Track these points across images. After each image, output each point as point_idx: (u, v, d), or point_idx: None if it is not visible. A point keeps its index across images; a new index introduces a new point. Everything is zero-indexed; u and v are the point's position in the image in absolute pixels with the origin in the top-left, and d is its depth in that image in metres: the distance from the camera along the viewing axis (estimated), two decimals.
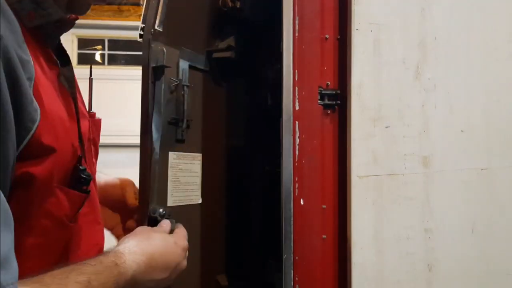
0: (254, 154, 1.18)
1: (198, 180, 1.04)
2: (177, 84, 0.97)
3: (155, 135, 0.91)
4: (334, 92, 0.95)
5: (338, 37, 0.96)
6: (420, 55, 0.96)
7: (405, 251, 0.94)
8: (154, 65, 0.91)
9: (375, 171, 0.93)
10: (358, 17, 0.93)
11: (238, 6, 1.05)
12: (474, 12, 1.00)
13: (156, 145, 0.91)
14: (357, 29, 0.93)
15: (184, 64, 0.99)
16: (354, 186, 0.92)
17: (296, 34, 0.92)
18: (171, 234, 0.85)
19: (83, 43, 6.75)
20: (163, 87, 0.92)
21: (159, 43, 0.93)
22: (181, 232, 0.87)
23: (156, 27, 0.92)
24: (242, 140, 1.17)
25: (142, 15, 0.95)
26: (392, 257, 0.93)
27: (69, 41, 6.50)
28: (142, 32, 0.94)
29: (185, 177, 1.01)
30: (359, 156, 0.92)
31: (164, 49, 0.92)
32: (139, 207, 0.93)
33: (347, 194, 0.94)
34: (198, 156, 1.05)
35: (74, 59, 6.54)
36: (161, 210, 0.89)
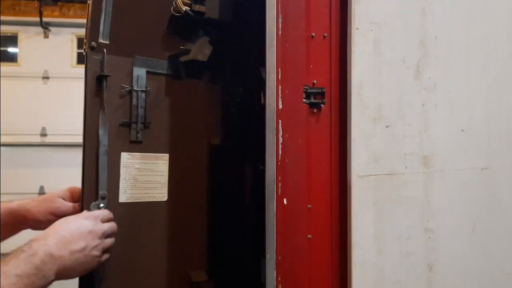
0: (248, 153, 1.18)
1: (163, 178, 1.10)
2: (129, 90, 1.05)
3: (101, 137, 1.00)
4: (320, 91, 0.95)
5: (325, 34, 0.96)
6: (421, 54, 0.96)
7: (406, 250, 0.93)
8: (96, 75, 1.01)
9: (376, 170, 0.93)
10: (358, 16, 0.93)
11: (196, 9, 1.07)
12: (474, 11, 1.00)
13: (102, 147, 1.00)
14: (357, 28, 0.92)
15: (139, 71, 1.07)
16: (354, 185, 0.91)
17: (280, 33, 0.92)
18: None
19: (83, 42, 6.74)
20: (105, 95, 1.01)
21: (101, 54, 1.01)
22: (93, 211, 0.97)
23: (100, 40, 1.02)
24: (221, 139, 1.19)
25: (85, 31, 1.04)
26: (393, 256, 0.93)
27: (68, 40, 6.50)
28: (84, 47, 1.03)
29: (144, 175, 1.07)
30: (359, 156, 0.92)
31: (106, 59, 1.01)
32: (80, 205, 1.00)
33: (344, 193, 0.93)
34: (163, 156, 1.10)
35: (73, 58, 6.54)
36: (101, 205, 0.99)
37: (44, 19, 6.10)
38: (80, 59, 6.63)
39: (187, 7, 1.07)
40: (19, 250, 0.81)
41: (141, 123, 1.06)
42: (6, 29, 6.37)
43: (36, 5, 5.92)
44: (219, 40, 1.15)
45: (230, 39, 1.16)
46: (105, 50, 1.02)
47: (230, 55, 1.17)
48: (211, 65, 1.14)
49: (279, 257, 0.90)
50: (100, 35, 1.02)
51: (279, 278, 0.90)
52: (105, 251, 0.94)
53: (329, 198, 0.95)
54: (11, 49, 6.57)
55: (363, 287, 0.91)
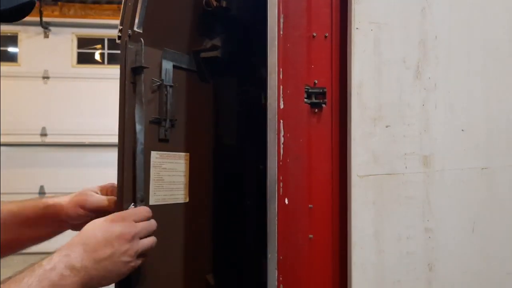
0: (249, 153, 1.18)
1: (184, 179, 1.05)
2: (159, 84, 0.98)
3: (138, 135, 0.92)
4: (321, 90, 0.95)
5: (326, 34, 0.96)
6: (421, 54, 0.96)
7: (406, 250, 0.93)
8: (132, 66, 0.93)
9: (375, 170, 0.93)
10: (358, 16, 0.93)
11: (224, 5, 1.05)
12: (474, 11, 1.00)
13: (139, 145, 0.92)
14: (357, 28, 0.92)
15: (167, 64, 1.00)
16: (354, 185, 0.91)
17: (281, 33, 0.92)
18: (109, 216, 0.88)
19: (83, 42, 6.75)
20: (143, 88, 0.93)
21: (138, 44, 0.94)
22: (125, 212, 0.89)
23: (135, 28, 0.94)
24: (236, 139, 1.17)
25: (120, 17, 0.97)
26: (393, 256, 0.93)
27: (68, 40, 6.50)
28: (120, 34, 0.95)
29: (170, 176, 1.02)
30: (359, 156, 0.92)
31: (143, 49, 0.93)
32: (116, 207, 0.93)
33: (345, 193, 0.93)
34: (184, 155, 1.05)
35: (73, 58, 6.54)
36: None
37: (44, 19, 6.11)
38: (80, 59, 6.64)
39: (217, 3, 1.03)
40: (37, 264, 0.75)
41: (169, 120, 1.00)
42: (6, 29, 6.38)
43: (36, 4, 5.92)
44: (241, 38, 1.12)
45: (251, 38, 1.14)
46: (142, 40, 0.94)
47: (248, 54, 1.14)
48: (230, 63, 1.12)
49: (281, 257, 0.90)
50: (136, 24, 0.95)
51: (281, 278, 0.90)
52: (141, 253, 0.86)
53: (330, 198, 0.95)
54: (11, 49, 6.58)
55: (363, 287, 0.91)
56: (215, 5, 1.03)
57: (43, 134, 6.43)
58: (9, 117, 5.86)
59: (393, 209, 0.93)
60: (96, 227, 0.83)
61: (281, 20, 0.92)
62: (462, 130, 0.98)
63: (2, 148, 5.65)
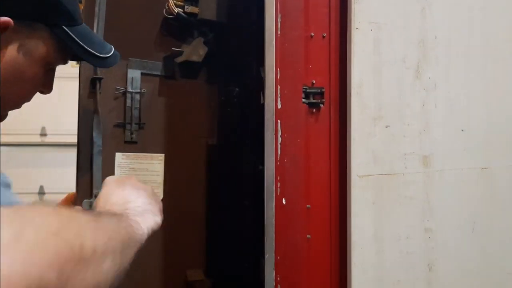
0: (248, 153, 1.18)
1: (158, 178, 1.12)
2: (124, 92, 1.07)
3: (95, 138, 1.03)
4: (319, 90, 0.95)
5: (324, 34, 0.96)
6: (420, 54, 0.96)
7: (405, 250, 0.93)
8: (90, 78, 1.04)
9: (375, 170, 0.93)
10: (358, 16, 0.92)
11: (189, 11, 1.09)
12: (474, 11, 1.00)
13: (96, 147, 1.03)
14: (357, 28, 0.92)
15: (133, 73, 1.09)
16: (354, 185, 0.91)
17: (279, 33, 0.92)
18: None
19: None
20: (99, 97, 1.05)
21: None
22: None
23: None
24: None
25: None
26: (392, 256, 0.93)
27: None
28: None
29: (140, 175, 1.10)
30: (359, 156, 0.92)
31: None
32: (74, 203, 1.00)
33: (343, 193, 0.93)
34: (159, 156, 1.12)
35: None
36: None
37: None
38: None
39: (179, 9, 1.07)
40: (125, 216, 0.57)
41: (135, 123, 1.08)
42: None
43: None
44: (214, 40, 1.15)
45: (225, 39, 1.16)
46: None
47: (226, 55, 1.17)
48: (207, 65, 1.15)
49: (278, 257, 0.90)
50: None
51: (278, 278, 0.89)
52: None
53: (328, 198, 0.95)
54: None
55: (363, 287, 0.91)
56: (176, 12, 1.06)
57: (43, 134, 6.42)
58: (8, 117, 5.86)
59: (393, 209, 0.93)
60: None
61: (279, 20, 0.92)
62: (462, 130, 0.98)
63: (2, 148, 5.64)
